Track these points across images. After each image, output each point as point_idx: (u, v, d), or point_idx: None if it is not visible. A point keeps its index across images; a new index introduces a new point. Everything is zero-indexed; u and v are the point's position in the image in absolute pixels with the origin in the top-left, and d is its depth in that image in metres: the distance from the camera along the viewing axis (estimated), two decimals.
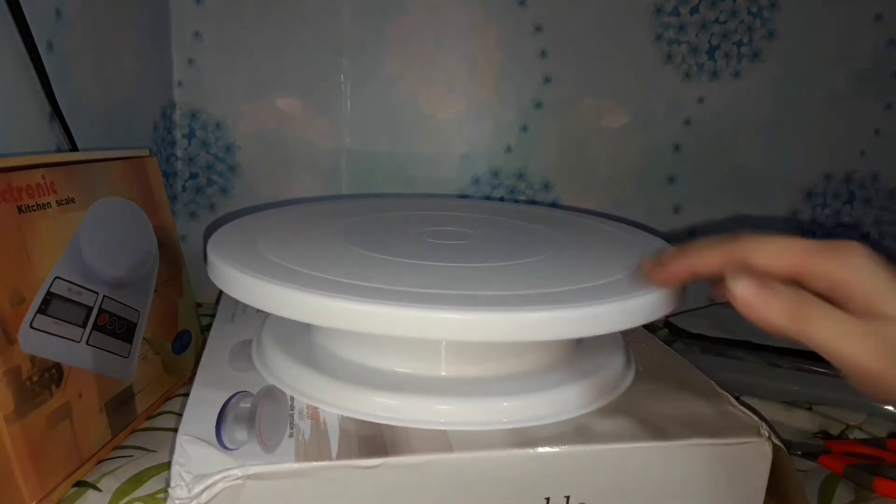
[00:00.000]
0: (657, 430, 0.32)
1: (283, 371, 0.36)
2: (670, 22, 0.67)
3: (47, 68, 0.44)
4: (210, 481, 0.27)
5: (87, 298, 0.38)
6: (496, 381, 0.34)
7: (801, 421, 0.47)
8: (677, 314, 0.67)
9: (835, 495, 0.39)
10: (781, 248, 0.27)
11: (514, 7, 0.65)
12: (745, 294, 0.26)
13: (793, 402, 0.49)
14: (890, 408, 0.48)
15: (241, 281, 0.33)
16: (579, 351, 0.38)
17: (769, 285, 0.26)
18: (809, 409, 0.48)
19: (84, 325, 0.38)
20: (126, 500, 0.36)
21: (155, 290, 0.45)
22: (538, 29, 0.66)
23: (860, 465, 0.40)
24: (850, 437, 0.46)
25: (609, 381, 0.36)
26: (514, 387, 0.34)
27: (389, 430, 0.31)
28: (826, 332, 0.25)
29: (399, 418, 0.32)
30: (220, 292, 0.36)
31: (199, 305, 0.54)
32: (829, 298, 0.26)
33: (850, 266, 0.26)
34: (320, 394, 0.33)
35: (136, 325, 0.43)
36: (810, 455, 0.42)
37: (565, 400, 0.33)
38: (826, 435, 0.46)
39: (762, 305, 0.26)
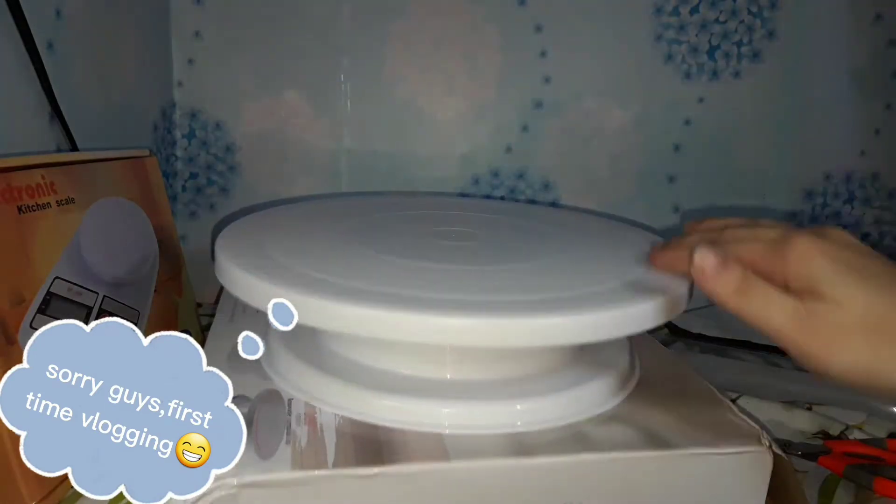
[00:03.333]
0: (657, 439, 0.32)
1: (290, 372, 0.36)
2: (670, 22, 0.67)
3: (47, 68, 0.44)
4: (205, 489, 0.27)
5: (87, 298, 0.38)
6: (499, 384, 0.34)
7: (801, 421, 0.47)
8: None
9: (835, 495, 0.39)
10: (745, 250, 0.31)
11: (514, 7, 0.65)
12: (702, 264, 0.30)
13: (793, 402, 0.49)
14: (890, 407, 0.48)
15: (250, 286, 0.33)
16: (585, 353, 0.38)
17: (725, 262, 0.30)
18: (809, 409, 0.48)
19: None
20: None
21: (155, 290, 0.45)
22: (538, 29, 0.66)
23: (860, 465, 0.40)
24: (850, 437, 0.46)
25: (613, 385, 0.36)
26: (517, 391, 0.34)
27: (387, 439, 0.31)
28: (759, 305, 0.29)
29: (398, 420, 0.32)
30: (220, 292, 0.36)
31: (199, 305, 0.54)
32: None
33: (794, 261, 0.29)
34: (322, 394, 0.33)
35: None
36: (810, 455, 0.42)
37: (568, 404, 0.33)
38: (826, 435, 0.46)
39: (713, 277, 0.30)
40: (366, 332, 0.30)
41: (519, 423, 0.32)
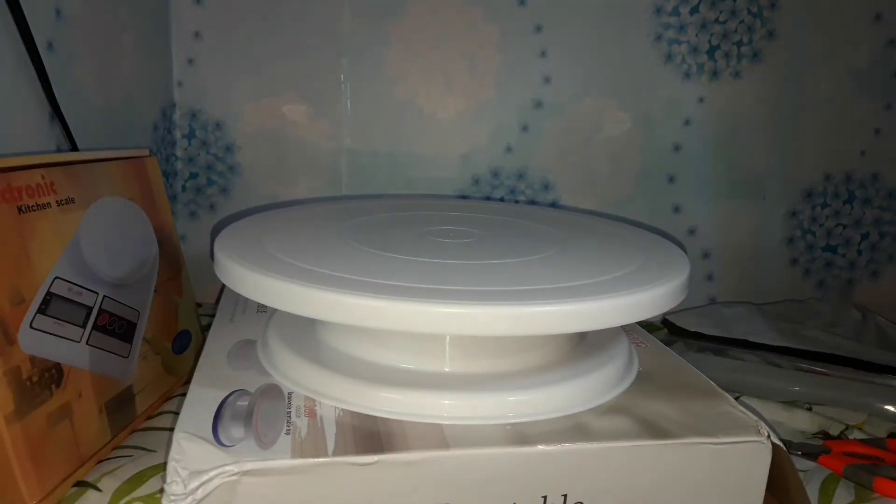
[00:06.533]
0: (656, 429, 0.32)
1: (290, 368, 0.36)
2: (670, 22, 0.67)
3: (47, 68, 0.44)
4: (206, 477, 0.27)
5: (87, 298, 0.38)
6: (498, 377, 0.34)
7: (801, 421, 0.47)
8: (676, 313, 0.67)
9: (835, 495, 0.39)
10: None
11: (514, 7, 0.65)
12: None
13: (793, 402, 0.49)
14: (890, 407, 0.48)
15: (250, 279, 0.33)
16: (583, 347, 0.38)
17: None
18: (809, 409, 0.48)
19: (84, 326, 0.38)
20: (126, 499, 0.36)
21: (155, 290, 0.45)
22: (538, 29, 0.66)
23: (860, 465, 0.40)
24: (850, 437, 0.46)
25: (611, 377, 0.36)
26: (516, 383, 0.34)
27: (386, 428, 0.31)
28: None
29: (398, 412, 0.32)
30: (220, 292, 0.36)
31: (199, 305, 0.54)
32: None
33: None
34: (323, 388, 0.34)
35: (136, 325, 0.43)
36: (810, 455, 0.42)
37: (566, 396, 0.34)
38: (826, 435, 0.46)
39: None
40: (363, 322, 0.30)
41: (518, 413, 0.32)
